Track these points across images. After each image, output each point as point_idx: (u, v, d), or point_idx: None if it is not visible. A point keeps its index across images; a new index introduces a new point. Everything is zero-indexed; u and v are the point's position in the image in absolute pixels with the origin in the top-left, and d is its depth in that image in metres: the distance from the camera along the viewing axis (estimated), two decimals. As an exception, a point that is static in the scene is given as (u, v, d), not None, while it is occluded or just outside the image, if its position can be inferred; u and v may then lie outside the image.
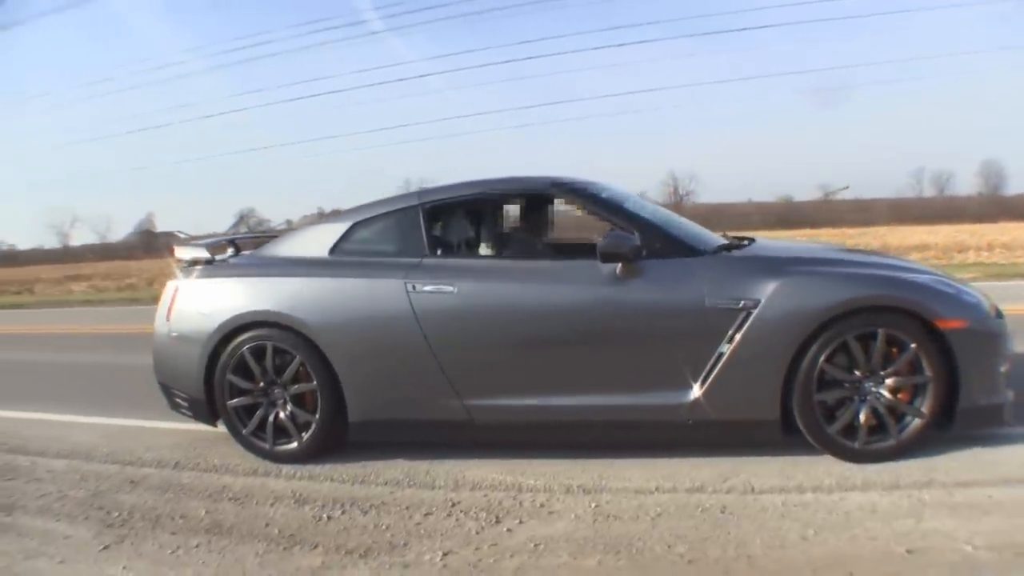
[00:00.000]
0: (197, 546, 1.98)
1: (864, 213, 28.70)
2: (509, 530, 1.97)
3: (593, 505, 2.09)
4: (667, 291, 2.27)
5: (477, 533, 1.96)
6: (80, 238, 50.97)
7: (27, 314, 10.60)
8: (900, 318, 2.19)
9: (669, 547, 1.79)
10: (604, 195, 2.56)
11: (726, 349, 2.20)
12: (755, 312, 2.19)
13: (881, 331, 2.18)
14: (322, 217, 3.00)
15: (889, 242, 16.10)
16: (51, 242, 50.29)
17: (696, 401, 2.24)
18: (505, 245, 2.71)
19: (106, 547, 2.00)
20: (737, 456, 2.34)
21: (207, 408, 2.65)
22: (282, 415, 2.56)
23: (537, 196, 2.62)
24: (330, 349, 2.46)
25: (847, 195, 40.57)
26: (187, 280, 2.73)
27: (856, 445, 2.23)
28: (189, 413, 2.74)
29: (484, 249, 2.68)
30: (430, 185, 2.68)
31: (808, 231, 20.83)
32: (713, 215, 37.81)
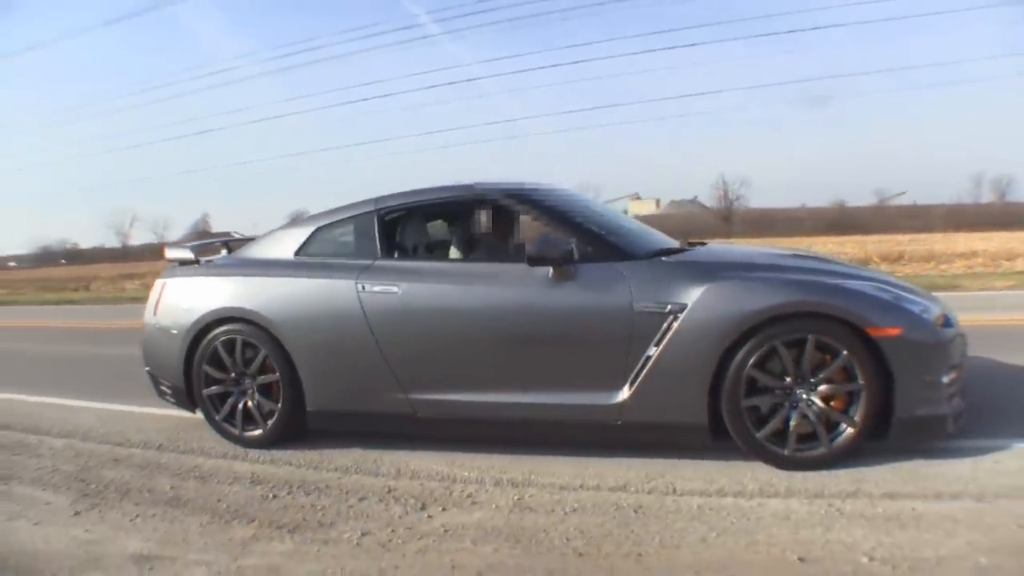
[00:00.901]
0: (153, 516, 2.22)
1: (919, 219, 27.30)
2: (430, 516, 2.12)
3: (516, 498, 2.21)
4: (597, 294, 2.36)
5: (400, 517, 2.12)
6: (139, 238, 53.98)
7: (76, 310, 11.44)
8: (831, 325, 2.20)
9: (567, 540, 1.89)
10: (545, 201, 2.67)
11: (653, 352, 2.28)
12: (681, 317, 2.26)
13: (811, 337, 2.20)
14: (292, 221, 3.22)
15: (936, 249, 15.33)
16: (112, 241, 53.52)
17: (625, 403, 2.33)
18: (443, 248, 2.87)
19: (78, 513, 2.27)
20: (669, 458, 2.42)
21: (187, 396, 2.92)
22: (250, 404, 2.80)
23: (483, 202, 2.76)
24: (290, 344, 2.68)
25: (903, 201, 38.72)
26: (172, 278, 3.01)
27: (786, 452, 2.26)
28: (172, 400, 3.02)
29: (429, 252, 2.84)
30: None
31: (858, 237, 20.02)
32: (764, 220, 36.84)
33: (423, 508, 2.18)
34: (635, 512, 2.05)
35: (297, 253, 2.84)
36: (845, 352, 2.18)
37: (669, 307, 2.28)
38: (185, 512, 2.24)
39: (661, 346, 2.27)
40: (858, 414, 2.21)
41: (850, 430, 2.22)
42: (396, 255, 2.74)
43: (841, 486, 2.13)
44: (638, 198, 58.04)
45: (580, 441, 2.51)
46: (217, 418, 2.86)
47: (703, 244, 3.07)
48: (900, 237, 20.66)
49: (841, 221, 29.61)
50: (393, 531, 2.02)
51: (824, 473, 2.22)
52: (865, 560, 1.68)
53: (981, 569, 1.62)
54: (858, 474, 2.20)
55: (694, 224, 39.01)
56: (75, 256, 45.24)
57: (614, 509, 2.07)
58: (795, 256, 2.76)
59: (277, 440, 2.78)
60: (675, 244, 2.98)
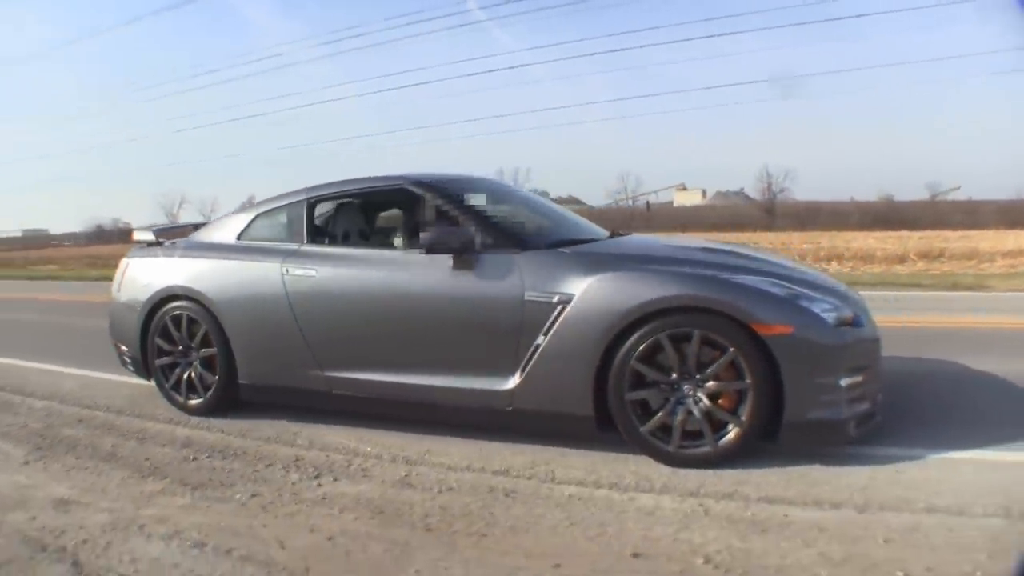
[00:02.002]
0: (87, 468, 2.52)
1: (972, 215, 25.72)
2: (319, 485, 2.32)
3: (403, 474, 2.39)
4: (491, 283, 2.49)
5: (292, 484, 2.33)
6: (188, 218, 56.33)
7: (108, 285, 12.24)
8: (717, 320, 2.24)
9: (426, 516, 2.04)
10: (452, 191, 2.80)
11: (542, 342, 2.39)
12: (568, 307, 2.37)
13: (696, 332, 2.25)
14: (240, 207, 3.47)
15: (981, 247, 14.51)
16: (162, 221, 55.89)
17: (515, 390, 2.46)
18: (366, 236, 3.04)
19: (26, 463, 2.59)
20: (562, 446, 2.53)
21: (143, 366, 3.22)
22: (193, 375, 3.08)
23: (398, 191, 2.92)
24: (225, 321, 2.93)
25: (958, 196, 36.50)
26: (134, 258, 3.32)
27: (670, 448, 2.32)
28: (132, 369, 3.33)
29: (347, 239, 3.03)
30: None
31: (905, 232, 19.16)
32: (808, 213, 35.52)
33: (317, 477, 2.39)
34: (506, 496, 2.17)
35: (239, 237, 3.09)
36: (732, 349, 2.21)
37: (557, 297, 2.38)
38: (114, 467, 2.53)
39: (549, 336, 2.38)
40: (745, 414, 2.24)
41: (737, 430, 2.26)
42: (320, 241, 2.95)
43: (721, 486, 2.17)
44: (684, 188, 56.93)
45: (480, 425, 2.65)
46: (166, 386, 3.15)
47: (623, 235, 3.15)
48: (949, 233, 19.60)
49: (888, 215, 28.29)
50: (280, 495, 2.23)
51: (709, 472, 2.27)
52: (700, 562, 1.72)
53: (779, 569, 1.67)
54: (744, 475, 2.24)
55: (737, 216, 38.12)
56: (126, 235, 47.75)
57: (487, 491, 2.21)
58: (705, 250, 2.77)
59: (214, 409, 3.05)
60: (600, 235, 3.07)
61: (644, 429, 2.33)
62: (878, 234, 19.52)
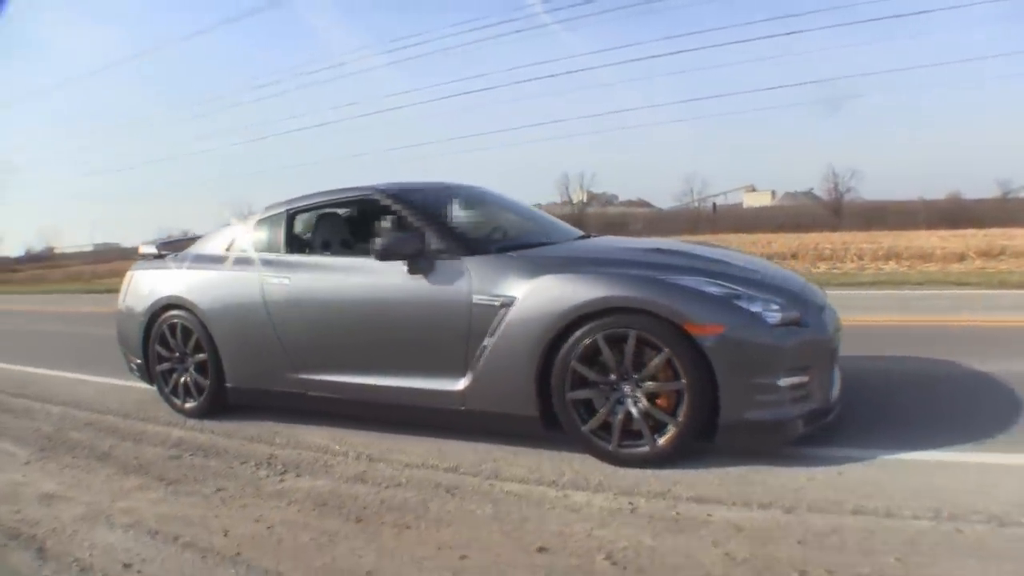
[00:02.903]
0: (79, 467, 2.78)
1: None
2: (282, 480, 2.49)
3: (362, 470, 2.53)
4: (442, 287, 2.61)
5: (259, 479, 2.51)
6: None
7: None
8: (652, 321, 2.28)
9: (364, 508, 2.18)
10: (416, 199, 2.94)
11: (488, 343, 2.49)
12: (510, 310, 2.45)
13: (632, 333, 2.30)
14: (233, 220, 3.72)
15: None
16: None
17: (466, 390, 2.56)
18: (341, 245, 3.20)
19: (28, 463, 2.88)
20: (515, 445, 2.62)
21: (146, 371, 3.49)
22: (188, 379, 3.32)
23: (368, 201, 3.07)
24: (214, 328, 3.16)
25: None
26: (138, 270, 3.62)
27: (611, 447, 2.38)
28: (137, 374, 3.62)
29: (323, 248, 3.20)
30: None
31: (971, 231, 18.11)
32: (875, 212, 34.05)
33: (283, 473, 2.56)
34: (447, 491, 2.28)
35: (227, 249, 3.32)
36: (666, 350, 2.25)
37: (500, 300, 2.48)
38: (104, 465, 2.78)
39: (494, 337, 2.47)
40: (682, 414, 2.27)
41: (674, 430, 2.29)
42: (293, 250, 3.15)
43: (655, 485, 2.21)
44: (753, 189, 55.95)
45: (438, 424, 2.77)
46: (166, 391, 3.41)
47: (592, 237, 3.20)
48: (1016, 231, 18.36)
49: (956, 214, 26.69)
50: (242, 490, 2.41)
51: (649, 471, 2.31)
52: (601, 558, 1.77)
53: (676, 567, 1.70)
54: (682, 475, 2.27)
55: (805, 217, 36.99)
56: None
57: (432, 487, 2.32)
58: (658, 251, 2.79)
59: (208, 411, 3.28)
60: (569, 237, 3.14)
61: (586, 428, 2.39)
62: (943, 233, 18.54)
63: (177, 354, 3.36)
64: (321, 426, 3.05)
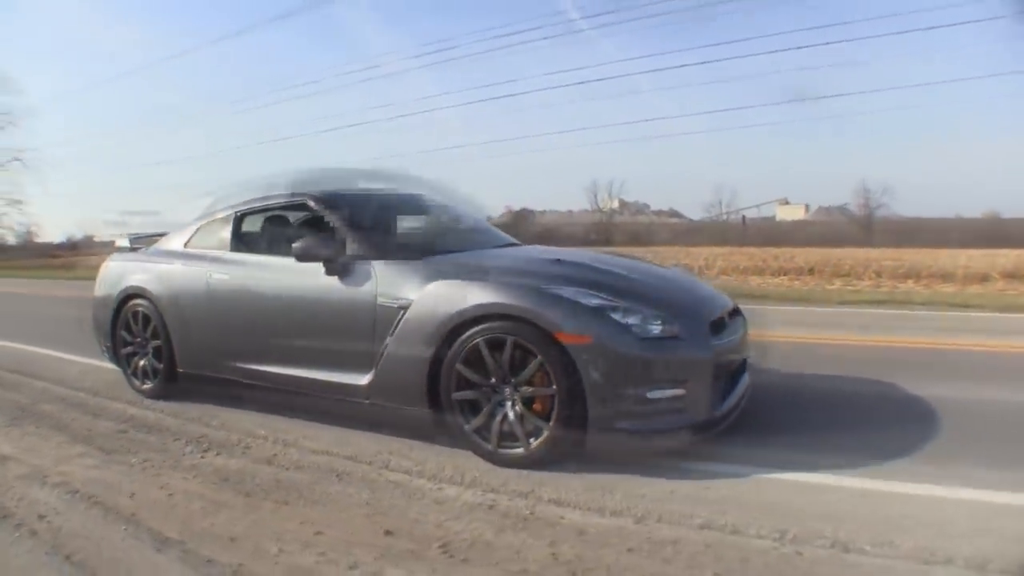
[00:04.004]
0: (37, 435, 3.17)
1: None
2: (202, 457, 2.82)
3: (273, 453, 2.84)
4: (352, 289, 2.92)
5: (182, 455, 2.84)
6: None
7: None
8: (527, 328, 2.50)
9: (256, 485, 2.48)
10: (340, 204, 3.26)
11: (389, 343, 2.77)
12: (407, 312, 2.72)
13: (509, 339, 2.53)
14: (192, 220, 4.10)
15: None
16: None
17: (370, 385, 2.84)
18: (276, 245, 3.52)
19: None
20: (416, 440, 2.89)
21: (113, 354, 3.89)
22: (146, 363, 3.70)
23: (302, 206, 3.40)
24: (167, 317, 3.53)
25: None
26: (111, 261, 4.02)
27: (490, 447, 2.62)
28: (107, 356, 4.02)
29: (264, 247, 3.51)
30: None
31: (1006, 250, 17.59)
32: (906, 230, 33.27)
33: (205, 451, 2.89)
34: (337, 476, 2.57)
35: (185, 245, 3.69)
36: (539, 356, 2.48)
37: (399, 303, 2.76)
38: (59, 435, 3.16)
39: (393, 337, 2.75)
40: (552, 419, 2.48)
41: (547, 434, 2.50)
42: (237, 249, 3.50)
43: (523, 486, 2.40)
44: (786, 203, 55.26)
45: (348, 415, 3.06)
46: (128, 372, 3.80)
47: (516, 245, 3.48)
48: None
49: (992, 233, 25.87)
50: (164, 462, 2.75)
51: (523, 472, 2.51)
52: (436, 546, 1.97)
53: (521, 571, 1.87)
54: (550, 478, 2.46)
55: (836, 231, 36.32)
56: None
57: (326, 471, 2.62)
58: (558, 262, 3.00)
59: (161, 393, 3.65)
60: (498, 243, 3.43)
61: (468, 428, 2.64)
62: (973, 252, 18.02)
63: (139, 339, 3.74)
64: (254, 412, 3.39)
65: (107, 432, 3.19)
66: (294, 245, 2.99)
